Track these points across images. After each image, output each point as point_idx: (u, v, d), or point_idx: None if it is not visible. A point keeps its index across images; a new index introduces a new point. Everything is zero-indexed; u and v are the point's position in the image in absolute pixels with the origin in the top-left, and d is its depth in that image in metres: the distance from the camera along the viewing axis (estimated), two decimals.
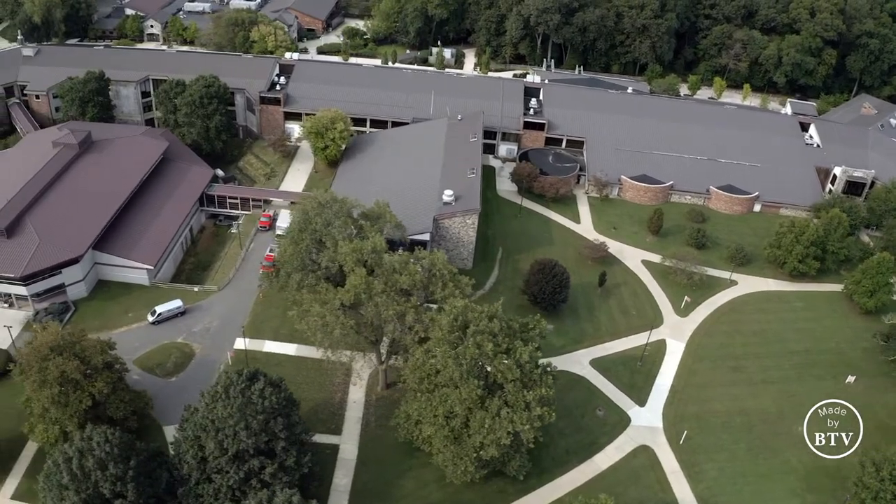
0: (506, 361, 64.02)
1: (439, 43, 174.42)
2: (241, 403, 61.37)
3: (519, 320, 70.38)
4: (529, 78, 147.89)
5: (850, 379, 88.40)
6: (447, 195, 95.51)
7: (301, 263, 78.68)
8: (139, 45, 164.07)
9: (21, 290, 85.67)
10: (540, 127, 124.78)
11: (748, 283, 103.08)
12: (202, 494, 62.70)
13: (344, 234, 77.35)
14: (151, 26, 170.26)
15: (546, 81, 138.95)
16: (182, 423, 65.30)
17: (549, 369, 69.08)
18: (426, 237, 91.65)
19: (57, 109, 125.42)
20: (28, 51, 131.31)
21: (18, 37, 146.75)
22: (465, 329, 66.54)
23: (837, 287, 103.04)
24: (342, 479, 71.22)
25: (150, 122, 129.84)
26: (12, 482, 69.51)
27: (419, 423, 69.07)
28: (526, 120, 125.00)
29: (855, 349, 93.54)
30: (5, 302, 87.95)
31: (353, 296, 69.33)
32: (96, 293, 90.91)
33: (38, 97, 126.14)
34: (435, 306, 74.91)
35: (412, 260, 73.76)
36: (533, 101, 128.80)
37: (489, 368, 66.25)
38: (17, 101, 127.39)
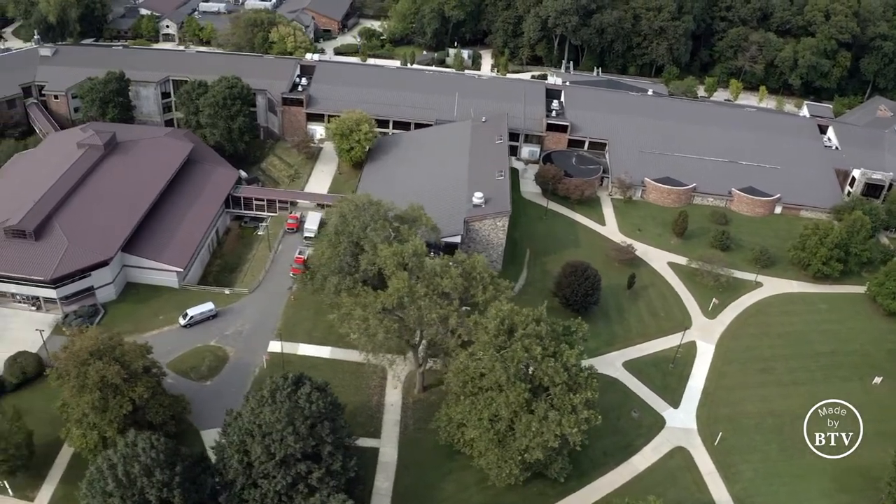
0: (553, 364, 64.06)
1: (456, 44, 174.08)
2: (289, 408, 61.12)
3: (562, 323, 70.47)
4: (550, 80, 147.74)
5: (877, 380, 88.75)
6: (477, 197, 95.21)
7: (339, 266, 78.43)
8: (155, 46, 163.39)
9: (50, 293, 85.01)
10: (563, 129, 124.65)
11: (773, 285, 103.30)
12: (248, 500, 62.33)
13: (381, 237, 77.13)
14: (167, 26, 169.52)
15: (567, 83, 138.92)
16: (225, 427, 64.76)
17: (590, 372, 69.31)
18: (457, 239, 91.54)
19: (76, 110, 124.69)
20: (46, 51, 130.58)
21: (35, 37, 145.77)
22: (511, 332, 66.55)
23: (860, 289, 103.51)
24: (383, 482, 71.19)
25: (169, 123, 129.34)
26: (48, 488, 68.65)
27: (462, 426, 69.01)
28: (548, 122, 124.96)
29: (880, 350, 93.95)
30: (33, 305, 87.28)
31: (396, 299, 69.16)
32: (125, 296, 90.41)
33: (56, 97, 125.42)
34: (470, 309, 74.86)
35: (451, 263, 73.66)
36: (555, 103, 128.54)
37: (531, 371, 66.32)
38: (35, 101, 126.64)
